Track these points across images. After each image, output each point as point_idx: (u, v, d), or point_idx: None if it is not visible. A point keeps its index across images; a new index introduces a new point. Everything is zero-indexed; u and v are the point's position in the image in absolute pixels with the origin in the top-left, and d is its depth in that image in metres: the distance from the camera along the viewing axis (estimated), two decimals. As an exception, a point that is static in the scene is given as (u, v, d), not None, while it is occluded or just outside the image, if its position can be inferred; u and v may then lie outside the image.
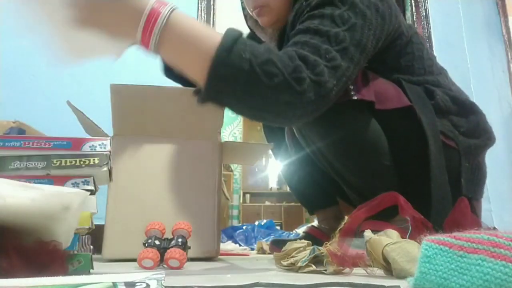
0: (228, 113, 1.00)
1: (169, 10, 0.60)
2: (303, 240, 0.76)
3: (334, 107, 0.77)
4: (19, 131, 1.27)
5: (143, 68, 1.92)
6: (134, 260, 0.86)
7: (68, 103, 1.06)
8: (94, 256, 0.68)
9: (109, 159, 0.85)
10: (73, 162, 0.81)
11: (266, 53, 0.65)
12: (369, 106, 0.89)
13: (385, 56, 0.95)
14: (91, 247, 0.70)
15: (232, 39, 0.63)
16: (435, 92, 0.96)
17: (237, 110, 0.70)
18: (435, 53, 2.07)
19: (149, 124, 1.09)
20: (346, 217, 0.80)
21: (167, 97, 1.07)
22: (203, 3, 2.02)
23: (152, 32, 0.59)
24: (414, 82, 0.96)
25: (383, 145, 0.93)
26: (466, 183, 0.93)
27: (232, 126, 5.32)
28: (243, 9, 1.12)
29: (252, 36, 1.14)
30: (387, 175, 0.93)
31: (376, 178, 0.93)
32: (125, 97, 1.06)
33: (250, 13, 1.05)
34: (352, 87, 0.85)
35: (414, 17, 2.15)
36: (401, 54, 0.96)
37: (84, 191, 0.57)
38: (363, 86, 0.88)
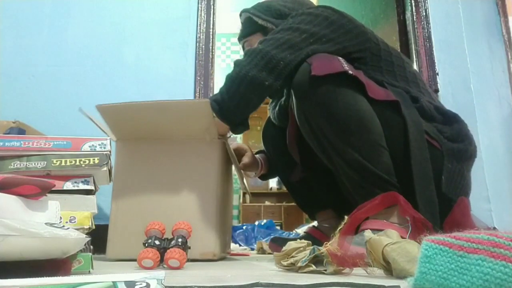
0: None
1: None
2: (303, 240, 0.76)
3: (332, 85, 0.94)
4: (19, 131, 1.27)
5: (142, 66, 1.93)
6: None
7: (80, 110, 1.08)
8: (96, 256, 0.68)
9: (109, 159, 0.85)
10: (73, 162, 0.81)
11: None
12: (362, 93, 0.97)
13: (364, 56, 1.06)
14: (91, 247, 0.69)
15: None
16: (419, 98, 1.02)
17: (234, 105, 1.03)
18: (435, 53, 2.07)
19: (146, 132, 1.11)
20: (346, 217, 0.80)
21: (154, 110, 1.08)
22: (203, 3, 2.02)
23: None
24: (396, 87, 1.03)
25: (380, 128, 0.96)
26: (447, 182, 0.95)
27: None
28: None
29: None
30: (386, 155, 0.96)
31: (377, 155, 0.95)
32: (114, 114, 1.08)
33: None
34: (345, 65, 0.96)
35: (414, 17, 2.15)
36: (379, 58, 1.07)
37: (84, 237, 0.56)
38: (357, 73, 0.98)
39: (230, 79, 1.04)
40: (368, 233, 0.66)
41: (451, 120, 1.04)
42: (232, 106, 1.04)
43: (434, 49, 2.08)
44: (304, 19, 1.05)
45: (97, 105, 1.03)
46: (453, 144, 0.99)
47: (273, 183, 5.67)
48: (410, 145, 0.93)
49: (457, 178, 0.98)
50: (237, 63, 1.04)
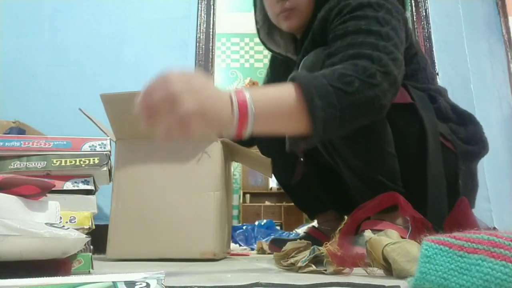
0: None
1: (250, 103, 0.63)
2: (303, 240, 0.76)
3: None
4: (19, 131, 1.27)
5: (142, 66, 1.92)
6: (137, 260, 0.86)
7: (80, 110, 1.08)
8: (96, 256, 0.68)
9: (109, 159, 0.85)
10: (73, 162, 0.81)
11: (332, 71, 0.74)
12: None
13: None
14: (91, 247, 0.69)
15: (301, 82, 0.69)
16: (437, 98, 1.01)
17: (341, 130, 0.77)
18: (435, 53, 2.07)
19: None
20: (346, 217, 0.80)
21: None
22: (203, 3, 2.02)
23: (246, 128, 0.64)
24: (418, 89, 1.00)
25: (388, 133, 0.94)
26: (464, 185, 0.94)
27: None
28: (256, 23, 1.16)
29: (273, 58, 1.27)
30: (392, 161, 0.94)
31: (381, 162, 0.94)
32: (117, 105, 1.07)
33: (273, 19, 1.07)
34: None
35: (414, 17, 2.14)
36: (408, 63, 1.00)
37: (84, 237, 0.57)
38: None
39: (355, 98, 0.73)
40: (368, 233, 0.66)
41: (466, 121, 1.02)
42: (346, 123, 0.76)
43: (434, 49, 2.08)
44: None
45: (101, 94, 1.03)
46: (467, 147, 0.97)
47: (273, 183, 5.67)
48: (427, 157, 0.90)
49: (469, 179, 0.99)
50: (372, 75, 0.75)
